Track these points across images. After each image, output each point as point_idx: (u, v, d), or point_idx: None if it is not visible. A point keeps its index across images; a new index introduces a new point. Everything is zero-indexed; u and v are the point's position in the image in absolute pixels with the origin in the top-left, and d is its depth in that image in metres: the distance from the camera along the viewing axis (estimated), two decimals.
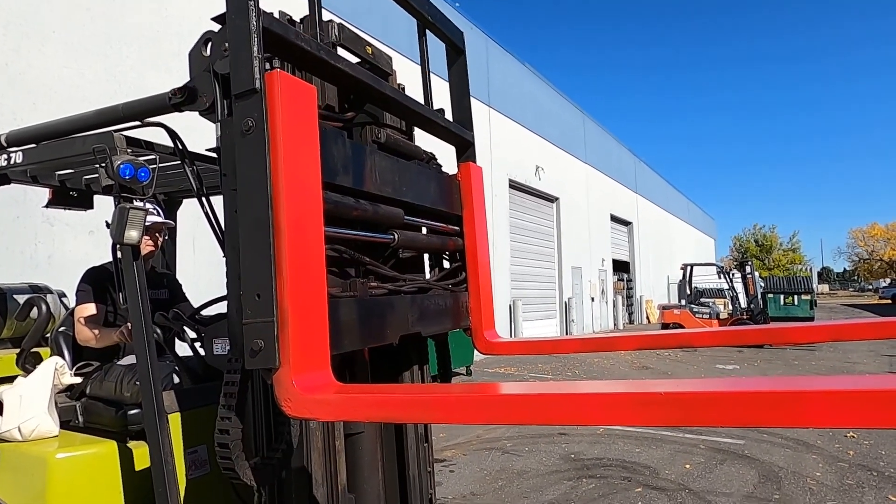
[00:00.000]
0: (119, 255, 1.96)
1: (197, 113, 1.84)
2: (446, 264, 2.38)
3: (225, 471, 1.49)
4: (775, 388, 0.90)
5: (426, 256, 2.33)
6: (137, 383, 2.27)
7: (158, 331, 2.20)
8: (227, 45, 1.66)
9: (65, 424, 2.37)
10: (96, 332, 2.38)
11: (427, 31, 2.28)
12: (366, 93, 1.87)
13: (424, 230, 2.24)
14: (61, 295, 3.28)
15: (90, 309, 2.44)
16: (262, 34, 1.35)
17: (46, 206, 2.85)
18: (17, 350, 2.69)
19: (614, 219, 24.28)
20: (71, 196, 2.87)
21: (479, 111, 13.55)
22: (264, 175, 1.31)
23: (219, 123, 1.61)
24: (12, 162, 2.27)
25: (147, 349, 1.89)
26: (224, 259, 1.56)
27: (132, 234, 1.87)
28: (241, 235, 1.36)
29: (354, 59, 2.05)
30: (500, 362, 11.97)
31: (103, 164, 1.89)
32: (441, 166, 2.34)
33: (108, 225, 1.91)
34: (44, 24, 5.76)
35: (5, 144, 2.30)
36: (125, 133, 2.11)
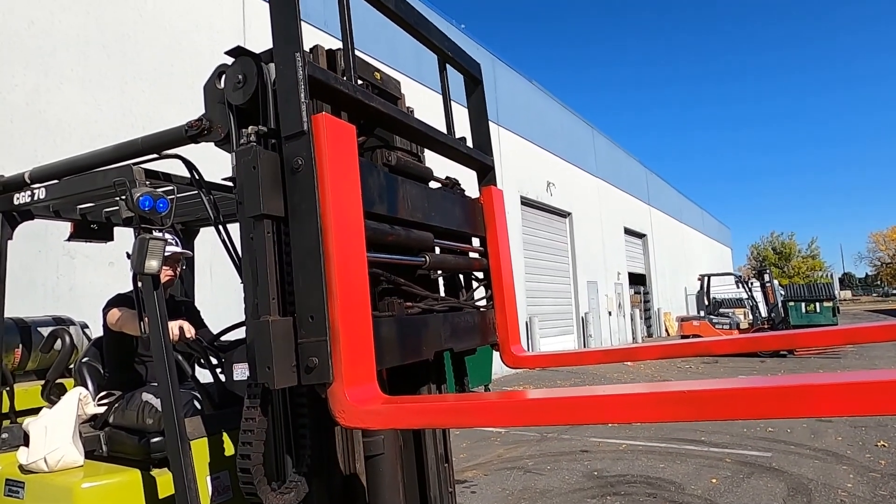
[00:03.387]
0: (140, 284, 2.01)
1: (212, 144, 1.91)
2: (464, 282, 2.43)
3: (247, 496, 1.50)
4: (784, 383, 0.96)
5: (440, 276, 2.38)
6: (158, 411, 2.30)
7: (179, 357, 2.23)
8: (240, 77, 1.73)
9: (90, 454, 2.40)
10: (128, 316, 2.40)
11: (447, 64, 2.39)
12: (395, 126, 1.99)
13: (437, 250, 2.29)
14: (84, 326, 3.34)
15: (118, 311, 2.48)
16: (307, 81, 1.47)
17: (68, 240, 2.92)
18: (42, 381, 2.74)
19: (628, 231, 24.17)
20: (92, 229, 2.94)
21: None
22: (314, 209, 1.44)
23: (234, 153, 1.66)
24: (36, 198, 2.34)
25: (169, 376, 1.92)
26: (241, 285, 1.59)
27: (152, 264, 1.91)
28: (295, 263, 1.49)
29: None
30: (517, 381, 11.88)
31: (123, 197, 1.94)
32: (464, 191, 2.43)
33: (128, 256, 1.96)
34: (62, 63, 5.95)
35: (29, 181, 2.38)
36: (143, 166, 2.18)
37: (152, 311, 1.96)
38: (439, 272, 2.32)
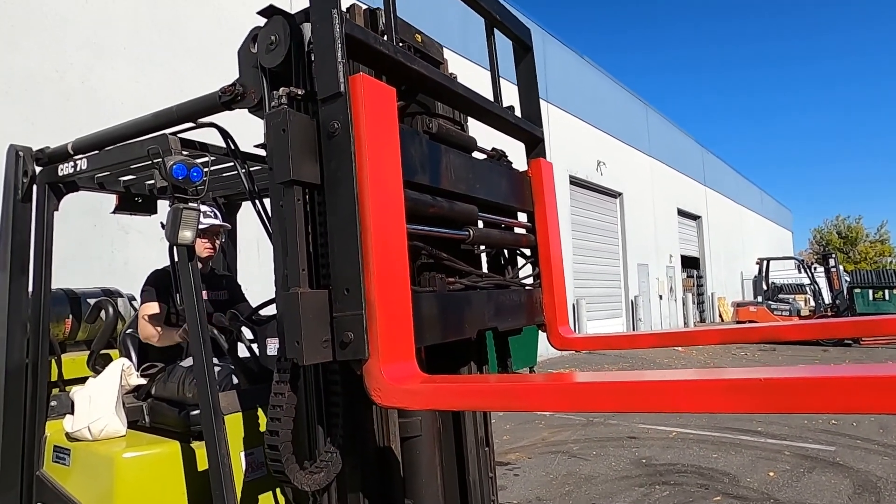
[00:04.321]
0: (175, 256, 1.98)
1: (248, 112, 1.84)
2: (509, 259, 2.33)
3: (275, 473, 1.44)
4: (886, 373, 0.80)
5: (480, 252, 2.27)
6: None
7: (216, 331, 2.20)
8: (273, 38, 1.66)
9: (132, 424, 2.43)
10: (158, 329, 2.43)
11: (495, 29, 2.27)
12: (438, 92, 1.88)
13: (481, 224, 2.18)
14: (131, 298, 3.39)
15: (153, 308, 2.48)
16: (344, 40, 1.38)
17: (114, 212, 2.94)
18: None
19: (682, 213, 23.33)
20: (136, 202, 2.95)
21: None
22: (351, 175, 1.35)
23: (265, 117, 1.58)
24: (78, 168, 2.34)
25: (203, 349, 1.88)
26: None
27: (186, 235, 1.87)
28: (331, 234, 1.41)
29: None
30: (562, 364, 11.70)
31: (157, 166, 1.90)
32: (511, 163, 2.31)
33: (162, 226, 1.92)
34: (114, 41, 6.07)
35: (72, 152, 2.38)
36: (181, 135, 2.14)
37: (187, 284, 1.93)
38: (484, 247, 2.21)
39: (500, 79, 2.29)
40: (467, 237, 1.83)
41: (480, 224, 2.22)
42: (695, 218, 25.08)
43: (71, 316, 3.08)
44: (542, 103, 14.66)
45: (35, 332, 2.40)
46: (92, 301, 3.16)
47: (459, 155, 1.85)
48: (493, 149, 2.22)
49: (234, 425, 2.00)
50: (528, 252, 2.27)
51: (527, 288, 2.16)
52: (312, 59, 1.55)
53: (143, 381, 2.52)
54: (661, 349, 12.14)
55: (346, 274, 1.34)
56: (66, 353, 3.09)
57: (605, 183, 16.85)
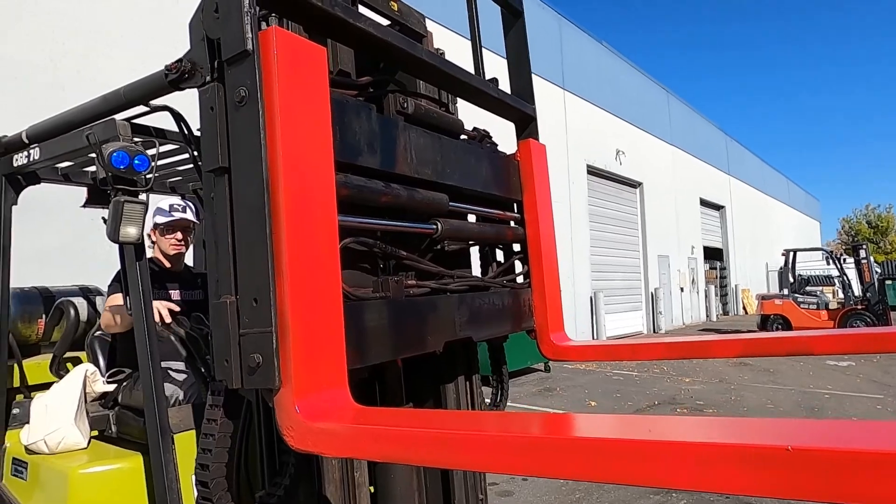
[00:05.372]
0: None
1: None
2: (502, 257, 2.08)
3: None
4: None
5: (474, 249, 2.03)
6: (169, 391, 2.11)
7: (172, 337, 2.00)
8: (218, 4, 1.42)
9: (100, 434, 2.26)
10: (118, 318, 2.23)
11: None
12: (397, 59, 1.60)
13: (472, 217, 1.94)
14: None
15: (118, 299, 2.29)
16: None
17: (84, 206, 2.76)
18: (74, 353, 2.62)
19: (704, 203, 22.72)
20: (108, 194, 2.77)
21: (554, 94, 12.95)
22: (259, 154, 1.10)
23: (199, 95, 1.36)
24: (32, 159, 2.15)
25: (150, 361, 1.68)
26: None
27: (130, 231, 1.67)
28: (236, 228, 1.16)
29: (376, 19, 1.75)
30: None
31: (97, 155, 1.70)
32: (497, 145, 2.05)
33: (105, 221, 1.72)
34: (111, 30, 5.91)
35: (27, 140, 2.19)
36: (136, 120, 1.94)
37: (134, 286, 1.73)
38: (470, 243, 1.97)
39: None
40: (434, 231, 1.58)
41: (473, 218, 1.97)
42: (718, 208, 24.44)
43: (45, 316, 2.92)
44: (559, 91, 14.16)
45: None
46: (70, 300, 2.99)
47: (424, 134, 1.59)
48: (475, 129, 1.96)
49: (187, 444, 1.80)
50: (517, 248, 2.01)
51: (512, 289, 1.90)
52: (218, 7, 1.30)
53: (109, 388, 2.34)
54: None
55: (252, 280, 1.10)
56: (39, 354, 2.93)
57: (624, 172, 16.42)
